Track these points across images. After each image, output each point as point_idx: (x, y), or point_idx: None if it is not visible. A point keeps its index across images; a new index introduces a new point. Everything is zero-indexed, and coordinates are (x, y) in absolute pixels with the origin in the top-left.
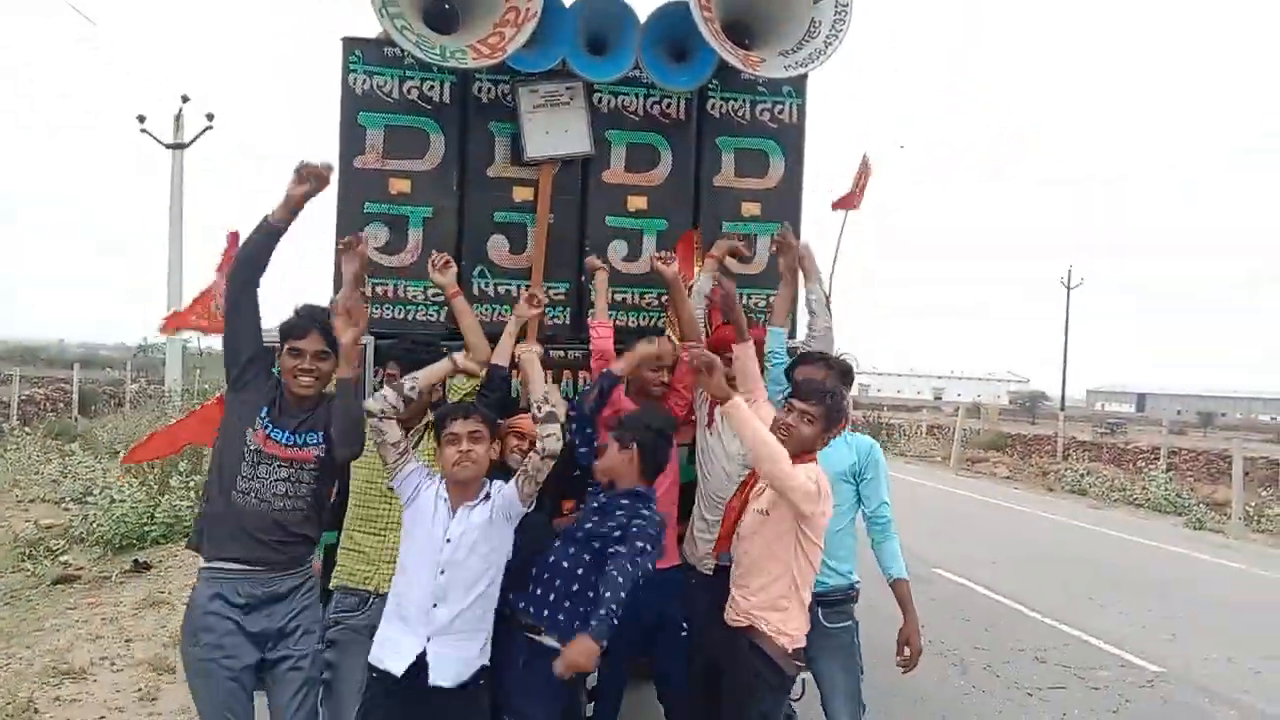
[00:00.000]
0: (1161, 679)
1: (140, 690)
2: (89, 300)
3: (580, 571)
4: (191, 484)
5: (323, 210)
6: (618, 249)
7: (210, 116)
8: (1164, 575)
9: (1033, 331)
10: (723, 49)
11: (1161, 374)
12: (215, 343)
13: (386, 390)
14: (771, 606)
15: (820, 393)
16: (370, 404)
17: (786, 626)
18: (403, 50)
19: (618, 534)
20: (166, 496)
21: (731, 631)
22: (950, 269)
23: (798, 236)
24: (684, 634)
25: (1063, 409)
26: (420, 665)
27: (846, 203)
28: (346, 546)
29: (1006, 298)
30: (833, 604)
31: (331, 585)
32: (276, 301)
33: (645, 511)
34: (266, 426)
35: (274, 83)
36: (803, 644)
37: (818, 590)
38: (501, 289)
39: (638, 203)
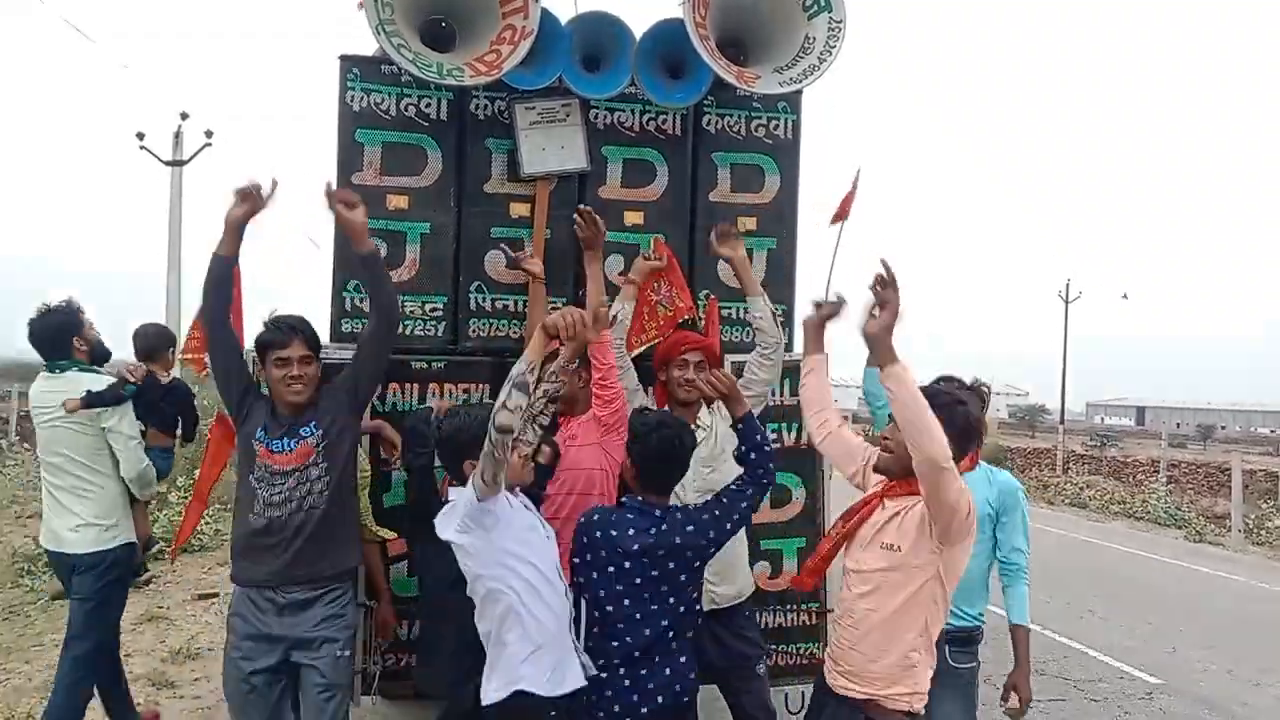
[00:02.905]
0: (1161, 691)
1: (140, 705)
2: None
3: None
4: (190, 499)
5: (321, 227)
6: (614, 264)
7: (209, 133)
8: (1164, 588)
9: (1027, 331)
10: (718, 65)
11: (1152, 371)
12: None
13: (509, 394)
14: (902, 665)
15: (931, 395)
16: (505, 419)
17: (918, 686)
18: (400, 68)
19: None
20: (165, 511)
21: (840, 699)
22: (941, 272)
23: (794, 251)
24: None
25: (1062, 423)
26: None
27: (841, 212)
28: None
29: (1001, 301)
30: (962, 642)
31: None
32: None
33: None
34: (266, 443)
35: (272, 100)
36: (926, 696)
37: (949, 629)
38: (499, 304)
39: (634, 218)
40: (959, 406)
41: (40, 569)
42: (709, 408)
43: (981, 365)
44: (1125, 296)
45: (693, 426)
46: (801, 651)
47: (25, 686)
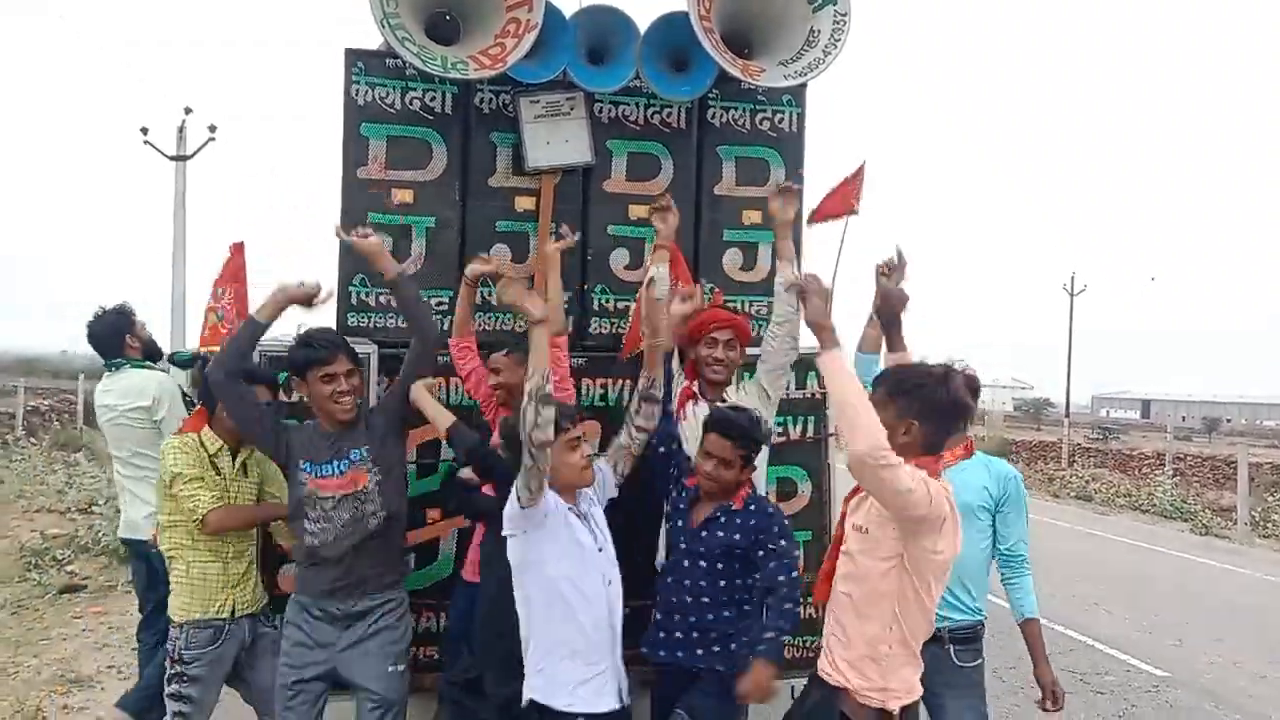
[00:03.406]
0: (1167, 684)
1: None
2: (91, 308)
3: (710, 596)
4: None
5: (326, 220)
6: (619, 258)
7: (213, 128)
8: (1170, 580)
9: (1032, 324)
10: (722, 59)
11: (1157, 364)
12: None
13: (537, 411)
14: (871, 655)
15: (893, 377)
16: (543, 436)
17: (888, 682)
18: (405, 62)
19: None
20: None
21: (823, 685)
22: (946, 264)
23: (799, 246)
24: None
25: (1067, 415)
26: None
27: (839, 207)
28: (188, 580)
29: (1005, 294)
30: (966, 640)
31: (178, 621)
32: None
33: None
34: (313, 472)
35: (277, 94)
36: (912, 699)
37: (950, 626)
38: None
39: (639, 211)
40: (927, 386)
41: (47, 563)
42: (736, 385)
43: (985, 358)
44: (1153, 279)
45: (719, 403)
46: (808, 645)
47: (34, 680)
